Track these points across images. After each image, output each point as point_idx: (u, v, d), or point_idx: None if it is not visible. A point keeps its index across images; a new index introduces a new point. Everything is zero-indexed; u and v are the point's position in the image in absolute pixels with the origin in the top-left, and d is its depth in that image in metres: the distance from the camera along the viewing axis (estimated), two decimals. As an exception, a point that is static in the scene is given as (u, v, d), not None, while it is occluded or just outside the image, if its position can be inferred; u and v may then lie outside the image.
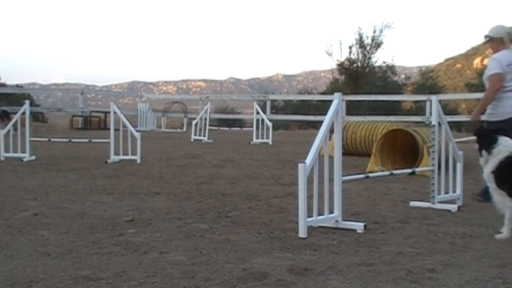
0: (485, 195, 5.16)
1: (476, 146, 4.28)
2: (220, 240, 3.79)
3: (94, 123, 19.43)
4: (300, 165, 3.84)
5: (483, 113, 5.56)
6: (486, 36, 5.52)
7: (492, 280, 2.93)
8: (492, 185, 4.02)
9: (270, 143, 12.95)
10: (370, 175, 5.71)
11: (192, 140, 13.86)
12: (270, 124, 13.32)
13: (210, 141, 13.55)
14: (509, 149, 3.95)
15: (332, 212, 4.17)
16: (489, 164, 4.03)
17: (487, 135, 4.13)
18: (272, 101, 21.44)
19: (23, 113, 8.88)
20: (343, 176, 4.30)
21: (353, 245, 3.66)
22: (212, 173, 7.41)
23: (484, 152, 4.06)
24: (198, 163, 8.71)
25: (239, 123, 21.85)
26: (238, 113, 23.80)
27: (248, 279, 2.93)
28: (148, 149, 10.18)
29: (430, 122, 5.18)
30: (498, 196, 3.98)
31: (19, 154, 8.75)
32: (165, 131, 18.92)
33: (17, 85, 28.83)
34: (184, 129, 19.12)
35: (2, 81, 26.66)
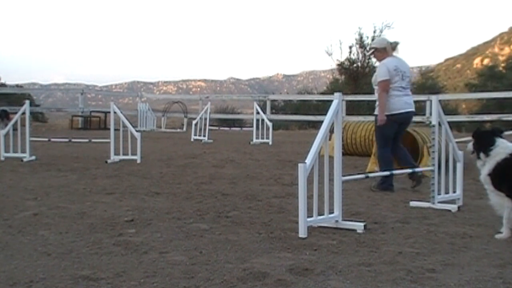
0: (382, 185, 6.02)
1: (469, 148, 4.27)
2: (220, 240, 3.79)
3: (94, 123, 19.43)
4: (300, 165, 3.84)
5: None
6: (371, 48, 6.56)
7: (492, 280, 2.93)
8: (489, 187, 4.01)
9: (270, 143, 12.95)
10: (370, 175, 5.72)
11: (192, 140, 13.86)
12: (270, 124, 13.32)
13: (210, 141, 13.55)
14: (507, 150, 3.95)
15: (332, 212, 4.17)
16: (486, 166, 4.02)
17: (485, 137, 4.12)
18: (272, 101, 21.44)
19: (23, 113, 8.88)
20: (343, 176, 4.30)
21: (353, 245, 3.66)
22: (212, 173, 7.41)
23: (482, 154, 4.05)
24: (198, 163, 8.71)
25: (239, 123, 21.83)
26: (238, 113, 23.79)
27: (248, 279, 2.93)
28: (148, 149, 10.18)
29: (430, 122, 5.18)
30: (496, 197, 3.97)
31: (19, 154, 8.75)
32: (165, 131, 18.93)
33: (17, 85, 28.84)
34: (184, 129, 19.13)
35: (2, 81, 26.67)
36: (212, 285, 2.85)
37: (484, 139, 4.09)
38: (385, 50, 6.24)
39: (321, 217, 4.07)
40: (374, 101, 6.39)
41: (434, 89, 23.45)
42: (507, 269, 3.13)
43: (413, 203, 5.19)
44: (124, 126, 8.74)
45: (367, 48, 6.56)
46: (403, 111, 6.07)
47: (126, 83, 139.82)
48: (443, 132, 5.11)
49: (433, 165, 5.08)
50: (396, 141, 6.20)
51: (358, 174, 5.99)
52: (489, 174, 3.97)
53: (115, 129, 8.77)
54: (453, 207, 4.99)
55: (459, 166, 5.26)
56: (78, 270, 3.06)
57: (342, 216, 4.21)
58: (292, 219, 4.38)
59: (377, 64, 6.40)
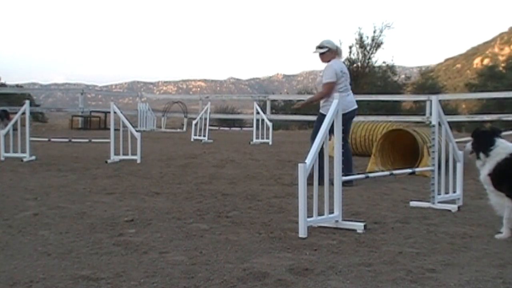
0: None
1: (468, 148, 4.26)
2: (220, 240, 3.79)
3: (94, 123, 19.43)
4: (300, 165, 3.84)
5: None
6: (324, 47, 6.49)
7: (492, 280, 2.93)
8: (489, 187, 4.01)
9: (270, 143, 12.95)
10: (370, 175, 5.72)
11: (192, 140, 13.86)
12: (270, 124, 13.32)
13: (210, 141, 13.54)
14: (507, 151, 3.95)
15: (332, 212, 4.17)
16: (486, 166, 4.01)
17: (485, 137, 4.11)
18: (272, 101, 21.42)
19: (23, 113, 8.89)
20: (343, 176, 4.30)
21: (353, 245, 3.66)
22: (212, 173, 7.41)
23: (482, 154, 4.04)
24: (198, 163, 8.71)
25: (239, 123, 21.82)
26: (238, 113, 23.78)
27: (248, 279, 2.93)
28: (148, 149, 10.18)
29: (430, 122, 5.18)
30: (496, 197, 3.97)
31: (19, 154, 8.75)
32: (165, 131, 18.92)
33: (17, 85, 28.82)
34: (184, 129, 19.12)
35: (2, 81, 26.65)
36: (212, 285, 2.85)
37: (484, 139, 4.08)
38: (336, 52, 6.58)
39: (321, 217, 4.07)
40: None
41: (434, 89, 23.46)
42: (507, 269, 3.13)
43: (413, 203, 5.19)
44: (124, 126, 8.74)
45: (317, 47, 6.64)
46: (351, 109, 6.46)
47: (126, 83, 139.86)
48: (443, 132, 5.11)
49: (433, 165, 5.08)
50: (347, 136, 6.54)
51: (358, 174, 5.99)
52: (489, 174, 3.97)
53: (115, 129, 8.77)
54: (453, 207, 4.99)
55: (459, 166, 5.26)
56: (78, 270, 3.06)
57: (342, 216, 4.21)
58: (292, 219, 4.38)
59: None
